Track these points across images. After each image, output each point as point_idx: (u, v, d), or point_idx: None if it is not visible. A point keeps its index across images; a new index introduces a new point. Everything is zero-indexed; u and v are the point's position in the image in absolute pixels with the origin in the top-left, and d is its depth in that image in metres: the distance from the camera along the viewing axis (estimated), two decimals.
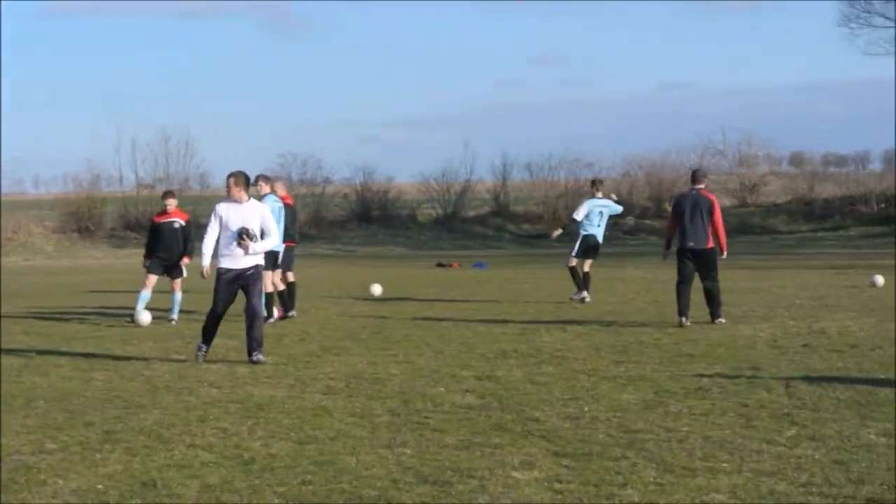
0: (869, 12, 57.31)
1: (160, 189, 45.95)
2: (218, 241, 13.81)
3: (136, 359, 14.38)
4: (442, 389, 11.70)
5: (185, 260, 19.14)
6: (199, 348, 14.10)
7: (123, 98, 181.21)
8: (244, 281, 13.81)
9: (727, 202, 60.76)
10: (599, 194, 22.42)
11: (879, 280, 24.07)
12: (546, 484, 7.66)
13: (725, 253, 18.15)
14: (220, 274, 13.82)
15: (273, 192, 18.87)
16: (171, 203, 19.38)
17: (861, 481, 7.51)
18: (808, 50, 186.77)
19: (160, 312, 18.87)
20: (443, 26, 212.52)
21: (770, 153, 70.03)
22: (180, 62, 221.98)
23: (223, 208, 13.79)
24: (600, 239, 22.31)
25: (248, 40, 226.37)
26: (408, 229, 62.81)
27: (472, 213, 67.23)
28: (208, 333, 14.06)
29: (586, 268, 22.03)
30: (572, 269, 22.15)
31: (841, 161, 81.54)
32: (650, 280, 22.17)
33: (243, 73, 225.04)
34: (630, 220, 61.23)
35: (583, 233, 21.95)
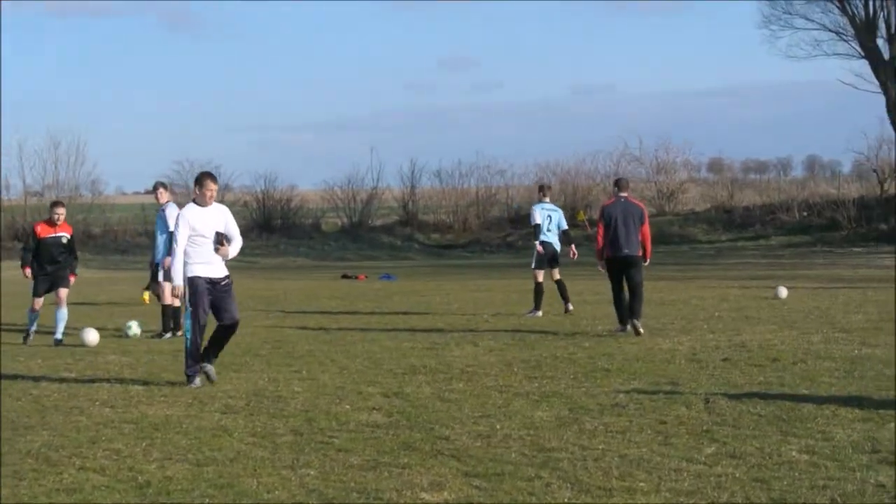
0: (790, 13, 58.16)
1: (49, 197, 45.44)
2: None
3: (23, 377, 14.15)
4: (347, 407, 11.64)
5: (72, 279, 18.78)
6: (194, 371, 13.43)
7: (8, 101, 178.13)
8: (219, 291, 13.47)
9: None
10: (546, 199, 22.39)
11: (783, 292, 24.42)
12: None
13: (648, 261, 18.61)
14: (196, 283, 13.34)
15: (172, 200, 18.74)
16: (61, 214, 18.83)
17: (783, 500, 7.58)
18: (728, 53, 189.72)
19: (47, 329, 18.53)
20: (347, 27, 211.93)
21: (688, 160, 70.89)
22: (69, 62, 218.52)
23: (192, 213, 13.38)
24: (557, 247, 22.28)
25: (144, 40, 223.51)
26: (311, 239, 62.72)
27: (379, 222, 67.36)
28: (198, 351, 13.46)
29: (556, 276, 22.06)
30: (539, 286, 21.95)
31: (761, 167, 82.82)
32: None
33: (137, 74, 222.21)
34: None
35: (538, 241, 21.95)
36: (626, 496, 7.80)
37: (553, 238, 22.01)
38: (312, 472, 8.66)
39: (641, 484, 8.13)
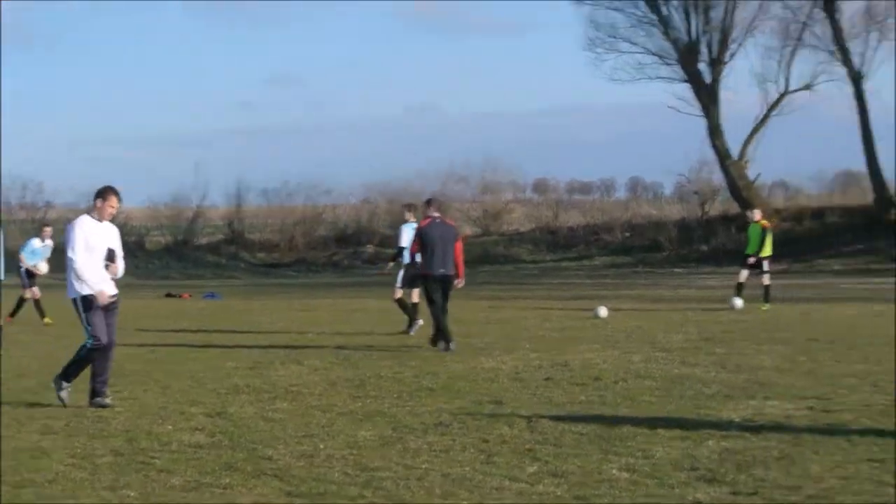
0: (615, 37, 59.28)
1: None
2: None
3: None
4: (169, 427, 11.50)
5: None
6: (63, 387, 13.05)
7: None
8: (108, 309, 13.01)
9: (470, 231, 61.94)
10: (413, 219, 22.12)
11: (602, 311, 24.93)
12: None
13: (462, 281, 18.88)
14: (91, 301, 12.81)
15: None
16: None
17: None
18: (554, 75, 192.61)
19: None
20: (172, 40, 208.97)
21: (514, 180, 71.71)
22: None
23: (87, 227, 12.89)
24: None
25: None
26: (135, 258, 61.58)
27: (204, 241, 66.67)
28: (77, 371, 13.10)
29: (415, 298, 21.94)
30: (399, 301, 22.06)
31: (586, 188, 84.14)
32: (390, 310, 22.35)
33: None
34: (369, 249, 61.79)
35: (405, 262, 21.75)
36: None
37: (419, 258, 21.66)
38: (133, 494, 8.55)
39: (464, 502, 8.22)
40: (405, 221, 22.45)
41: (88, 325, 12.88)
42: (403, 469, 9.39)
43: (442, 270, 18.64)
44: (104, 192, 13.14)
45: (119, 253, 13.25)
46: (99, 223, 13.05)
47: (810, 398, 12.87)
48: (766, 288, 27.04)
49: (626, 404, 12.77)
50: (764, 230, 27.08)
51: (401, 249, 21.94)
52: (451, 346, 18.36)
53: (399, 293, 22.01)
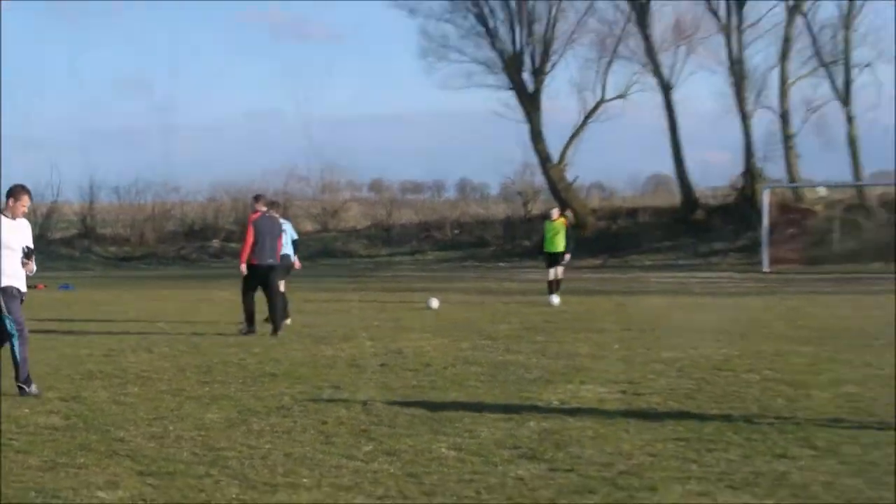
0: (446, 47, 59.57)
1: None
2: None
3: None
4: (26, 411, 11.29)
5: None
6: (29, 386, 12.56)
7: None
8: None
9: (310, 227, 61.73)
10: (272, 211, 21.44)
11: (434, 303, 25.29)
12: (130, 503, 7.63)
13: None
14: (11, 291, 12.40)
15: None
16: None
17: (433, 493, 7.87)
18: (391, 82, 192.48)
19: None
20: (18, 40, 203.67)
21: (351, 180, 71.64)
22: None
23: (4, 226, 12.43)
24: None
25: None
26: None
27: (58, 235, 65.28)
28: (25, 364, 12.61)
29: (282, 288, 21.61)
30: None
31: (418, 188, 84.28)
32: (235, 301, 22.18)
33: None
34: (216, 243, 61.21)
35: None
36: (291, 491, 7.92)
37: (289, 250, 21.55)
38: None
39: (305, 480, 8.27)
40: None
41: (9, 313, 12.50)
42: (248, 449, 9.40)
43: (270, 261, 19.23)
44: (16, 191, 12.79)
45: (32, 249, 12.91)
46: (12, 221, 12.69)
47: (622, 382, 13.23)
48: (558, 282, 27.30)
49: (455, 388, 12.93)
50: (564, 228, 27.28)
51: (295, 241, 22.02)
52: (253, 328, 19.22)
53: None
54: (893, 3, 52.26)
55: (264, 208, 19.86)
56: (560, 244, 26.94)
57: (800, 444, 9.41)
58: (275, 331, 18.92)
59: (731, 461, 8.79)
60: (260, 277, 19.21)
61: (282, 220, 21.58)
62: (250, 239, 19.16)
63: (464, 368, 14.64)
